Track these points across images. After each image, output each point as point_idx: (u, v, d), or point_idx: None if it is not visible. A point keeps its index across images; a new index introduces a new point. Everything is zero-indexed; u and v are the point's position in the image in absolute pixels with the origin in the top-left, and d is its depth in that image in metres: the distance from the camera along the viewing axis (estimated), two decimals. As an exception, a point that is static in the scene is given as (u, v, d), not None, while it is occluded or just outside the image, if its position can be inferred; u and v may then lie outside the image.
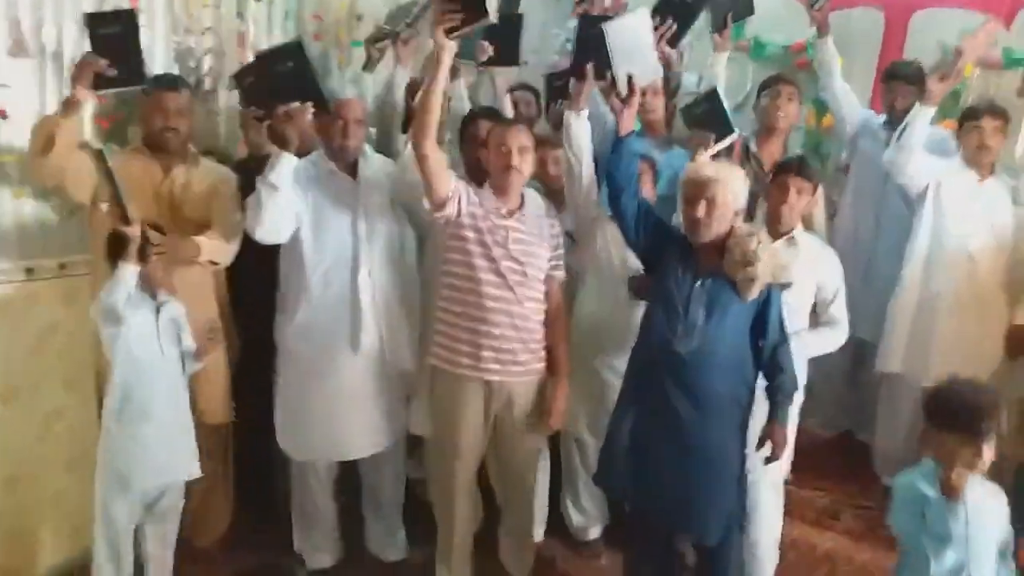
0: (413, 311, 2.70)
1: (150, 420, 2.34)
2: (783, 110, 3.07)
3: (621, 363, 2.58)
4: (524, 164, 2.41)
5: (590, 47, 2.71)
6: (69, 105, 2.30)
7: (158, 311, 2.37)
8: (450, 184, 2.36)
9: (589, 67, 2.59)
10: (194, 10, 2.89)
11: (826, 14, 3.46)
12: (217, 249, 2.53)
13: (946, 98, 3.66)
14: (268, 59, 2.48)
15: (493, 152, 2.43)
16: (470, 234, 2.40)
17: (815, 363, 2.96)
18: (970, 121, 3.07)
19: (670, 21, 2.66)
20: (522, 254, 2.42)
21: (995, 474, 3.14)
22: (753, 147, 3.10)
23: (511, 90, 3.46)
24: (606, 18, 2.85)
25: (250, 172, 2.70)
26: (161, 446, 2.37)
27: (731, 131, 2.84)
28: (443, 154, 2.36)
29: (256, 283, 2.68)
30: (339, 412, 2.61)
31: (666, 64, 2.84)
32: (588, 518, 2.97)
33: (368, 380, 2.65)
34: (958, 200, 3.06)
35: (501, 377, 2.43)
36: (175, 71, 2.84)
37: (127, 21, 2.42)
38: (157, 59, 2.82)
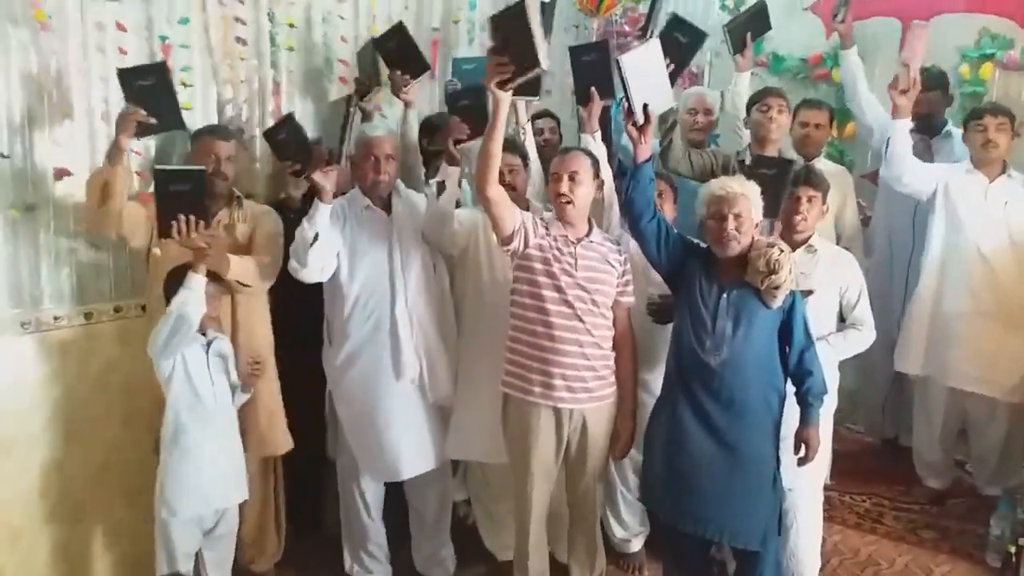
0: (449, 339, 2.80)
1: (203, 450, 2.48)
2: (775, 121, 3.15)
3: (652, 380, 2.66)
4: (575, 192, 2.46)
5: (588, 73, 2.83)
6: (115, 153, 2.47)
7: (208, 347, 2.51)
8: (516, 220, 2.45)
9: (594, 90, 2.72)
10: (233, 63, 3.05)
11: (850, 26, 3.55)
12: (246, 270, 2.62)
13: (971, 102, 3.73)
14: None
15: (550, 181, 2.52)
16: (538, 265, 2.47)
17: (859, 370, 3.01)
18: (973, 121, 3.13)
19: (667, 60, 2.76)
20: (589, 282, 2.47)
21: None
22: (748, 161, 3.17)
23: (533, 119, 3.58)
24: (594, 45, 2.97)
25: (289, 210, 2.85)
26: (214, 474, 2.50)
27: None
28: (504, 192, 2.44)
29: (306, 315, 2.81)
30: (386, 436, 2.72)
31: None
32: (629, 531, 3.01)
33: (413, 404, 2.76)
34: (968, 202, 3.10)
35: (571, 405, 2.48)
36: (215, 120, 3.01)
37: (159, 72, 2.60)
38: (198, 109, 2.99)
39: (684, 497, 2.40)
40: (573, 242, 2.49)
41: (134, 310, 2.85)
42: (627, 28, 4.46)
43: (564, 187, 2.46)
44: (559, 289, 2.45)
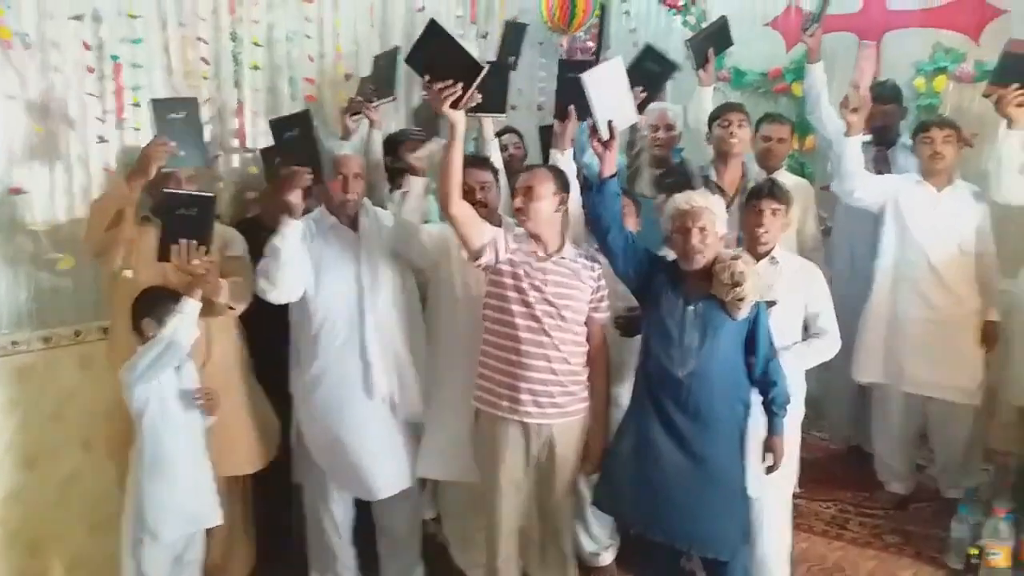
0: (420, 356, 2.79)
1: (177, 473, 2.45)
2: (736, 136, 3.20)
3: (621, 394, 2.68)
4: (529, 207, 2.48)
5: (570, 90, 2.85)
6: (137, 180, 2.47)
7: (179, 370, 2.49)
8: (484, 236, 2.47)
9: (571, 109, 2.73)
10: (194, 82, 3.03)
11: (818, 40, 3.62)
12: (234, 295, 2.61)
13: (926, 114, 3.84)
14: (278, 125, 2.64)
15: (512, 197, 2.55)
16: (507, 280, 2.48)
17: (823, 378, 3.06)
18: (921, 134, 3.23)
19: (639, 89, 2.80)
20: (557, 297, 2.47)
21: (999, 468, 3.25)
22: (712, 175, 3.22)
23: (499, 134, 3.61)
24: (584, 62, 3.00)
25: (256, 229, 2.83)
26: (188, 497, 2.48)
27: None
28: (470, 208, 2.46)
29: (271, 337, 2.79)
30: (356, 456, 2.70)
31: (632, 127, 2.98)
32: (600, 545, 3.02)
33: (384, 423, 2.74)
34: (918, 212, 3.20)
35: (539, 420, 2.48)
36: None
37: (191, 107, 2.64)
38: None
39: (654, 508, 2.42)
40: (543, 257, 2.51)
41: (95, 333, 2.80)
42: (590, 44, 4.51)
43: (519, 202, 2.48)
44: (527, 304, 2.46)
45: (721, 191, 3.02)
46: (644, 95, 2.83)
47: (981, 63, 3.74)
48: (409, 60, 2.37)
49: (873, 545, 3.22)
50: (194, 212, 2.37)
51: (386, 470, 2.75)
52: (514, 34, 3.61)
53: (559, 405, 2.49)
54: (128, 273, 2.55)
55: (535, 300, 2.46)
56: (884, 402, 3.43)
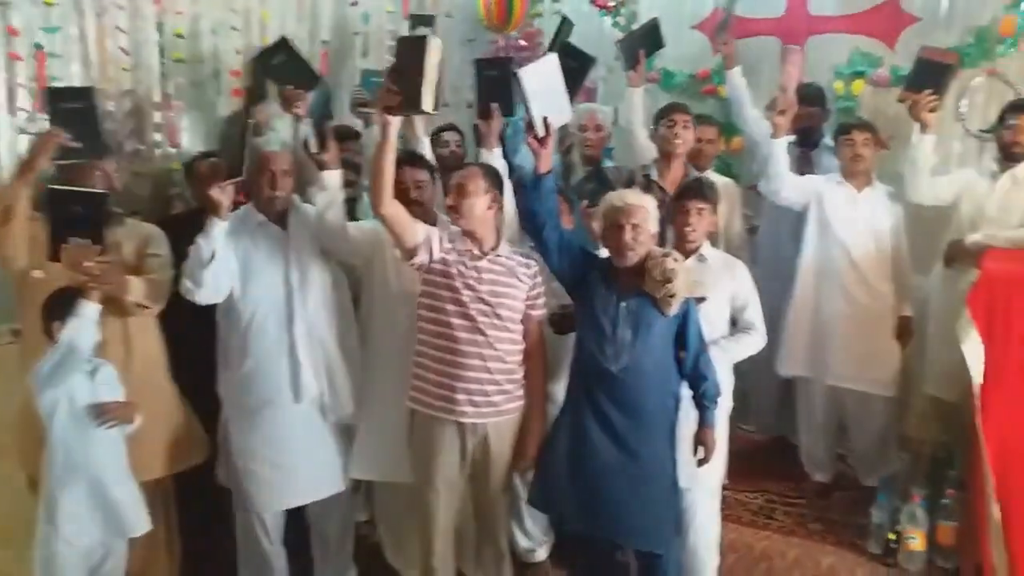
0: (351, 356, 2.75)
1: (93, 480, 2.35)
2: (680, 137, 3.25)
3: (555, 391, 2.69)
4: (462, 205, 2.47)
5: (491, 89, 2.87)
6: (25, 173, 2.34)
7: (93, 374, 2.39)
8: (417, 235, 2.44)
9: (495, 107, 2.77)
10: (112, 73, 2.92)
11: (731, 47, 3.72)
12: (146, 293, 2.52)
13: (844, 117, 3.98)
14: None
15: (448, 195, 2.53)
16: (440, 279, 2.46)
17: (749, 371, 3.14)
18: (842, 136, 3.35)
19: None
20: (492, 296, 2.46)
21: (913, 455, 3.40)
22: (654, 175, 3.28)
23: (439, 131, 3.59)
24: (498, 61, 3.01)
25: (184, 226, 2.75)
26: (105, 505, 2.37)
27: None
28: (401, 208, 2.43)
29: (197, 340, 2.70)
30: (286, 460, 2.65)
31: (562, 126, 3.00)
32: (534, 541, 3.04)
33: (314, 426, 2.70)
34: (839, 211, 3.32)
35: (474, 419, 2.47)
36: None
37: (88, 96, 2.49)
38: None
39: (589, 503, 2.44)
40: (478, 256, 2.50)
41: (7, 336, 2.68)
42: (523, 43, 4.53)
43: (451, 200, 2.48)
44: (460, 303, 2.45)
45: (663, 190, 3.07)
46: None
47: (896, 68, 3.89)
48: (400, 42, 2.37)
49: (798, 533, 3.33)
50: (85, 209, 2.25)
51: (315, 473, 2.70)
52: (564, 30, 3.64)
53: (494, 404, 2.49)
54: (38, 273, 2.42)
55: (469, 299, 2.45)
56: (808, 395, 3.55)
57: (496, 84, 2.90)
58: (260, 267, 2.62)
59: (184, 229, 2.69)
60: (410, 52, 2.26)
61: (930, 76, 3.12)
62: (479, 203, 2.49)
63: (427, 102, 2.25)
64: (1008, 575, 2.70)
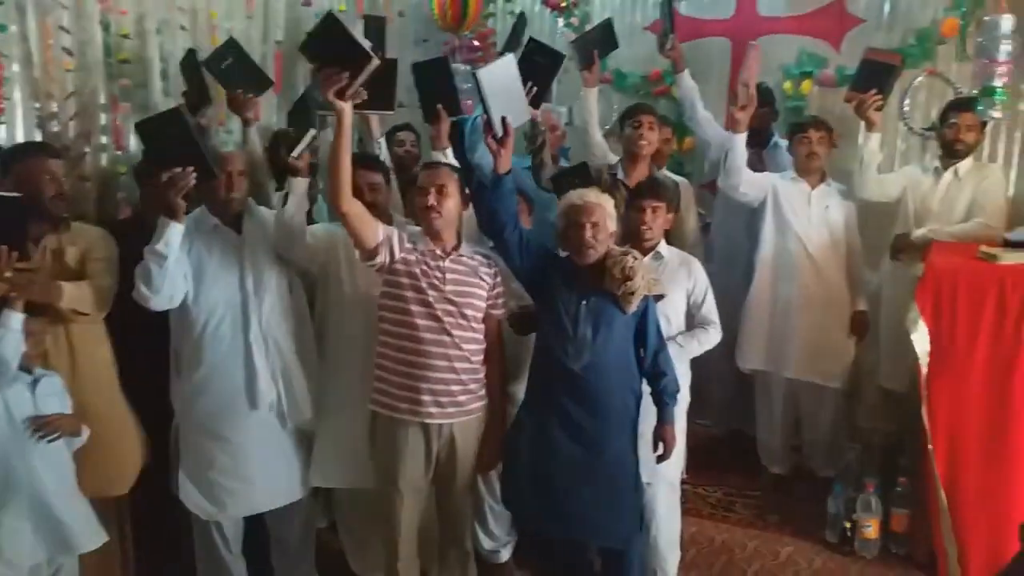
0: (308, 362, 2.71)
1: (35, 497, 2.26)
2: (645, 138, 3.28)
3: (516, 391, 2.69)
4: (443, 204, 2.46)
5: (432, 90, 2.85)
6: None
7: (34, 385, 2.31)
8: (378, 234, 2.41)
9: (440, 108, 2.78)
10: (56, 74, 2.84)
11: (679, 51, 3.76)
12: (82, 298, 2.43)
13: (793, 115, 4.06)
14: (148, 127, 2.46)
15: (416, 196, 2.50)
16: (404, 279, 2.44)
17: (705, 366, 3.19)
18: (798, 134, 3.42)
19: (530, 84, 2.84)
20: (457, 295, 2.45)
21: (865, 446, 3.48)
22: (620, 175, 3.31)
23: (394, 131, 3.56)
24: (434, 62, 3.01)
25: (131, 230, 2.67)
26: (49, 522, 2.28)
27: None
28: (361, 206, 2.40)
29: (150, 347, 2.64)
30: (244, 467, 2.60)
31: (531, 121, 3.01)
32: (498, 542, 3.03)
33: (271, 433, 2.65)
34: (794, 207, 3.39)
35: (440, 420, 2.46)
36: (38, 138, 2.78)
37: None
38: (18, 125, 2.76)
39: (552, 501, 2.45)
40: (441, 256, 2.49)
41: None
42: (476, 43, 4.52)
43: (432, 199, 2.45)
44: (426, 303, 2.43)
45: (628, 189, 3.09)
46: (535, 89, 2.85)
47: (842, 68, 3.99)
48: (302, 49, 2.32)
49: (756, 525, 3.39)
50: (2, 215, 2.16)
51: (274, 481, 2.66)
52: (520, 27, 3.63)
53: (460, 404, 2.48)
54: None
55: (434, 299, 2.43)
56: (766, 388, 3.61)
57: (436, 85, 2.89)
58: (214, 272, 2.56)
59: (131, 233, 2.63)
60: (323, 40, 2.24)
61: (875, 76, 3.20)
62: (455, 204, 2.49)
63: (371, 52, 2.22)
64: (957, 558, 2.79)
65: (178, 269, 2.45)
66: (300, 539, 2.87)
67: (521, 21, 3.62)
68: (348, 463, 2.67)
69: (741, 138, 3.28)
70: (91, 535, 2.37)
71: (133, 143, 3.04)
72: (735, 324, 3.47)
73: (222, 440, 2.59)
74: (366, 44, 2.21)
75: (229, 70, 3.04)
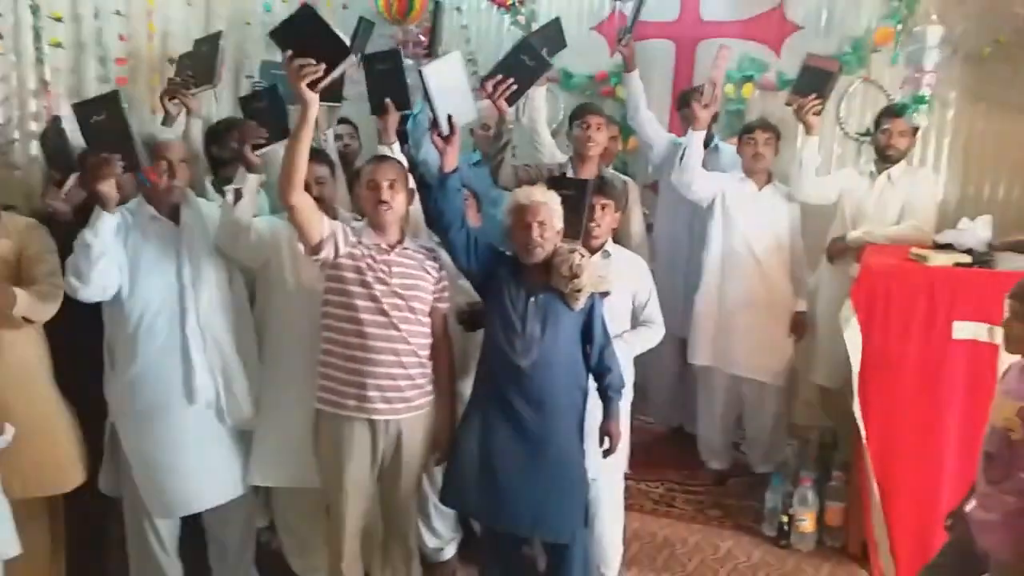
0: (248, 358, 2.66)
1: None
2: (593, 139, 3.29)
3: (464, 388, 2.68)
4: (395, 199, 2.44)
5: (382, 83, 2.83)
6: None
7: None
8: (324, 229, 2.37)
9: (388, 102, 2.77)
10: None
11: (632, 50, 3.80)
12: (34, 306, 2.36)
13: (733, 118, 4.14)
14: (83, 109, 2.39)
15: (364, 189, 2.47)
16: (350, 274, 2.40)
17: (647, 364, 3.23)
18: (746, 135, 3.49)
19: (511, 80, 2.82)
20: (405, 289, 2.43)
21: (802, 441, 3.58)
22: (569, 173, 3.32)
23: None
24: (387, 54, 2.98)
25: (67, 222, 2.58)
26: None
27: None
28: (311, 199, 2.36)
29: (81, 341, 2.55)
30: (181, 464, 2.54)
31: (500, 118, 2.99)
32: (442, 540, 3.02)
33: (208, 430, 2.59)
34: (742, 207, 3.46)
35: (388, 416, 2.44)
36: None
37: None
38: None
39: (498, 497, 2.44)
40: (387, 249, 2.46)
41: None
42: (423, 38, 4.50)
43: (385, 194, 2.42)
44: (373, 298, 2.40)
45: None
46: (515, 87, 2.84)
47: (782, 73, 4.10)
48: (273, 35, 2.25)
49: (697, 520, 3.45)
50: None
51: (212, 478, 2.60)
52: (363, 30, 3.56)
53: (408, 399, 2.46)
54: None
55: (381, 293, 2.41)
56: (709, 384, 3.68)
57: (388, 77, 2.86)
58: (151, 263, 2.49)
59: (66, 224, 2.54)
60: (298, 28, 2.20)
61: (814, 81, 3.28)
62: (405, 198, 2.48)
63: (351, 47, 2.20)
64: (889, 550, 2.89)
65: (111, 260, 2.37)
66: (239, 539, 2.81)
67: (365, 25, 3.61)
68: (289, 461, 2.62)
69: (700, 135, 3.32)
70: (8, 543, 2.24)
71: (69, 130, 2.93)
72: (677, 323, 3.52)
73: (158, 436, 2.52)
74: (344, 39, 2.17)
75: (199, 57, 2.98)
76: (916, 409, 2.81)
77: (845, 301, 2.95)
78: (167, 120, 2.92)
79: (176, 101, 2.93)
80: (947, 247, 2.98)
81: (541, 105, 3.58)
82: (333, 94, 2.79)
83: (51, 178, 2.70)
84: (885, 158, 3.42)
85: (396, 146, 2.83)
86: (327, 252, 2.39)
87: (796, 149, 3.43)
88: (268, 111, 2.65)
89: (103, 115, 2.35)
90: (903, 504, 2.86)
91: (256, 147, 2.56)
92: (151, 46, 3.33)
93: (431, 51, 3.46)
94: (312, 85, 2.17)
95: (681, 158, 3.36)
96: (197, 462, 2.56)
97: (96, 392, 2.58)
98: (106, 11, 3.16)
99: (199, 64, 3.01)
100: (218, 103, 3.54)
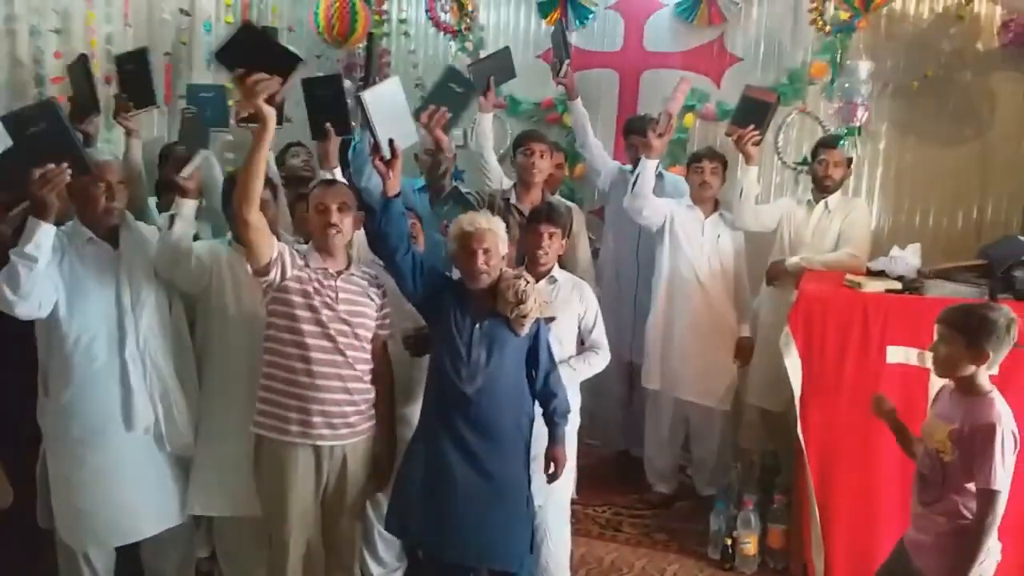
0: (188, 384, 2.60)
1: None
2: (537, 166, 3.33)
3: (409, 413, 2.66)
4: (344, 222, 2.42)
5: (322, 107, 2.83)
6: None
7: None
8: (273, 250, 2.34)
9: (329, 126, 2.77)
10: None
11: (572, 81, 3.86)
12: None
13: (675, 147, 4.23)
14: (16, 121, 2.30)
15: (313, 213, 2.44)
16: (296, 298, 2.37)
17: (594, 389, 3.24)
18: (694, 164, 3.56)
19: (444, 109, 2.83)
20: (351, 315, 2.42)
21: (745, 464, 3.63)
22: (513, 199, 3.35)
23: (286, 148, 3.47)
24: (327, 79, 2.98)
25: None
26: None
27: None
28: (264, 218, 2.33)
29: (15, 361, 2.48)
30: (117, 493, 2.46)
31: (438, 147, 2.99)
32: (387, 568, 2.97)
33: (146, 457, 2.53)
34: (689, 233, 3.53)
35: (332, 442, 2.41)
36: None
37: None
38: None
39: (445, 526, 2.43)
40: (333, 275, 2.44)
41: None
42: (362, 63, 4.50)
43: (335, 217, 2.41)
44: (320, 323, 2.38)
45: (523, 215, 3.12)
46: (449, 116, 2.85)
47: (722, 103, 4.21)
48: (218, 56, 2.22)
49: (644, 544, 3.46)
50: None
51: (149, 507, 2.53)
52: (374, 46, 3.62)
53: (352, 425, 2.44)
54: None
55: (328, 319, 2.39)
56: (656, 408, 3.72)
57: (328, 102, 2.86)
58: (88, 286, 2.42)
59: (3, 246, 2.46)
60: (241, 46, 2.18)
61: (753, 112, 3.36)
62: (351, 222, 2.47)
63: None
64: (824, 571, 2.93)
65: (47, 276, 2.30)
66: (178, 570, 2.75)
67: (372, 41, 3.63)
68: (229, 490, 2.57)
69: (652, 163, 3.38)
70: None
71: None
72: (624, 347, 3.55)
73: (93, 464, 2.45)
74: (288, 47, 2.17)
75: (128, 77, 2.91)
76: (854, 432, 2.86)
77: (784, 326, 3.02)
78: (88, 140, 2.84)
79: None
80: (880, 274, 3.08)
81: (488, 131, 3.60)
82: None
83: None
84: (822, 188, 3.53)
85: (338, 171, 2.82)
86: (274, 274, 2.36)
87: (736, 178, 3.52)
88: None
89: (42, 125, 2.27)
90: (842, 526, 2.91)
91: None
92: (96, 64, 3.25)
93: (367, 80, 3.46)
94: (269, 99, 2.16)
95: (633, 185, 3.41)
96: (134, 490, 2.49)
97: (33, 418, 2.49)
98: (43, 30, 3.09)
99: (134, 85, 2.96)
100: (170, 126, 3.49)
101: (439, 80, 3.02)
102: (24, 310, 2.29)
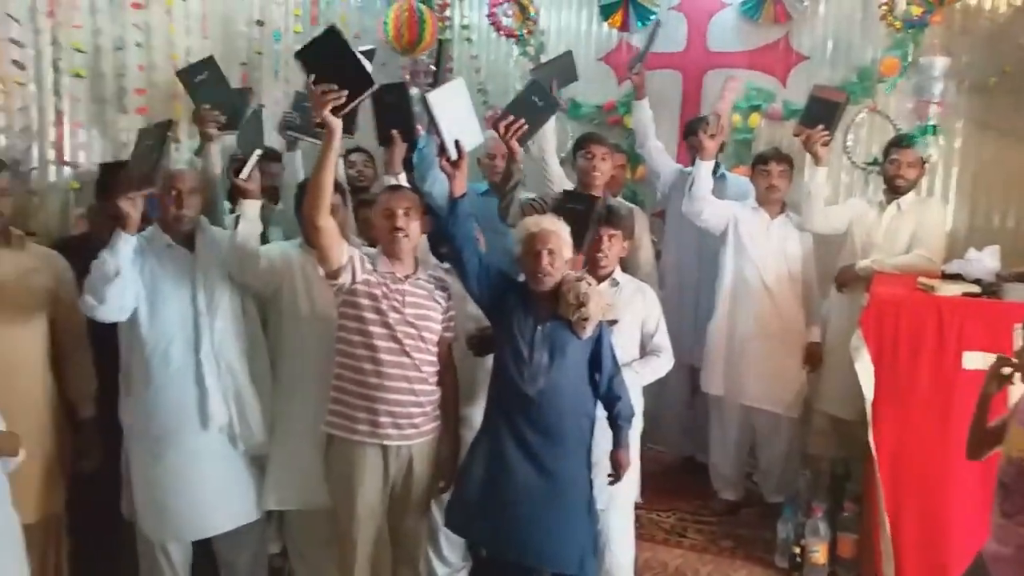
0: (262, 384, 2.68)
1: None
2: (598, 168, 3.32)
3: (471, 414, 2.69)
4: (410, 227, 2.47)
5: (389, 115, 2.88)
6: None
7: None
8: (344, 254, 2.40)
9: (395, 133, 2.81)
10: (9, 88, 2.78)
11: (643, 78, 3.84)
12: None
13: (740, 147, 4.18)
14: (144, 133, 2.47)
15: (379, 218, 2.50)
16: (365, 301, 2.43)
17: (658, 393, 3.22)
18: (760, 166, 3.50)
19: (522, 121, 2.85)
20: (417, 318, 2.46)
21: (814, 472, 3.55)
22: None
23: (348, 153, 3.55)
24: (394, 86, 3.02)
25: (81, 248, 2.61)
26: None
27: None
28: (335, 223, 2.39)
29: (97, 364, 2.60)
30: (194, 490, 2.55)
31: (511, 157, 2.99)
32: (452, 568, 3.00)
33: (222, 455, 2.61)
34: (754, 236, 3.47)
35: (399, 442, 2.46)
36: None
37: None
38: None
39: (505, 526, 2.45)
40: (401, 279, 2.49)
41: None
42: (433, 67, 4.56)
43: (401, 221, 2.46)
44: (388, 326, 2.43)
45: None
46: (526, 128, 2.85)
47: (788, 103, 4.14)
48: (299, 55, 2.29)
49: (710, 550, 3.41)
50: None
51: (225, 503, 2.61)
52: (442, 51, 3.66)
53: (418, 426, 2.48)
54: None
55: (395, 321, 2.43)
56: (722, 414, 3.67)
57: (394, 110, 2.90)
58: (167, 290, 2.53)
59: (83, 248, 2.58)
60: (322, 52, 2.23)
61: (822, 112, 3.29)
62: (418, 226, 2.51)
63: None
64: (897, 582, 2.85)
65: (129, 281, 2.41)
66: (251, 565, 2.81)
67: (442, 47, 3.67)
68: (302, 485, 2.63)
69: (708, 165, 3.35)
70: (19, 570, 2.20)
71: (84, 158, 2.98)
72: (687, 351, 3.52)
73: (171, 461, 2.54)
74: (368, 67, 2.21)
75: (201, 85, 3.01)
76: (928, 440, 2.78)
77: (855, 330, 2.95)
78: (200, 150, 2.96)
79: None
80: (955, 277, 2.99)
81: (550, 135, 3.60)
82: (347, 126, 2.83)
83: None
84: (894, 189, 3.43)
85: (403, 176, 2.87)
86: (345, 277, 2.42)
87: (805, 179, 3.46)
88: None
89: (151, 140, 2.41)
90: (914, 536, 2.83)
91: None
92: (170, 79, 3.39)
93: (435, 84, 3.51)
94: (335, 111, 2.21)
95: (690, 187, 3.38)
96: (210, 486, 2.58)
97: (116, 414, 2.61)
98: (128, 43, 3.23)
99: (226, 107, 3.02)
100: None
101: (522, 92, 3.03)
102: (105, 315, 2.41)
